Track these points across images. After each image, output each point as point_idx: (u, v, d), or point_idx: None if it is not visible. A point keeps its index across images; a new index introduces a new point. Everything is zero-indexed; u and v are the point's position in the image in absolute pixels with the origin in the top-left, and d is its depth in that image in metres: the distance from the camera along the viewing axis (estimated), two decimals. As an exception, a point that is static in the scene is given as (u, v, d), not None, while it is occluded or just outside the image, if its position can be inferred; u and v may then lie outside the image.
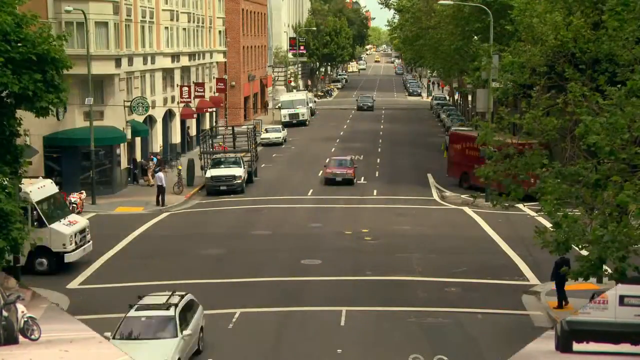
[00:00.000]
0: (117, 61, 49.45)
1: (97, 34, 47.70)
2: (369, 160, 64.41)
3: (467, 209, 45.16)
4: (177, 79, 64.37)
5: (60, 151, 48.42)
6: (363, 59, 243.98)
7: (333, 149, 70.51)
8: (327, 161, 57.32)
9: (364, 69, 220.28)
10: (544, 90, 28.56)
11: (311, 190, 51.66)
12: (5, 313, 16.50)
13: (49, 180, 34.83)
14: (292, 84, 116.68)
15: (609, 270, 21.98)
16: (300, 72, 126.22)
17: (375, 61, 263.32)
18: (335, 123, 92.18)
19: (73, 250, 32.43)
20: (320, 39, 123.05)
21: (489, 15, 49.03)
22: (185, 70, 66.63)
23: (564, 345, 17.02)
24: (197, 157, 55.37)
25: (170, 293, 24.09)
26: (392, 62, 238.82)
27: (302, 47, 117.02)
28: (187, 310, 23.40)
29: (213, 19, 76.44)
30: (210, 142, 57.65)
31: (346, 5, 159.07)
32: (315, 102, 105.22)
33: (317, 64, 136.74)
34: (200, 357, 23.52)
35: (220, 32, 78.64)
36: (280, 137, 75.43)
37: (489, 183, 34.85)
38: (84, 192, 45.83)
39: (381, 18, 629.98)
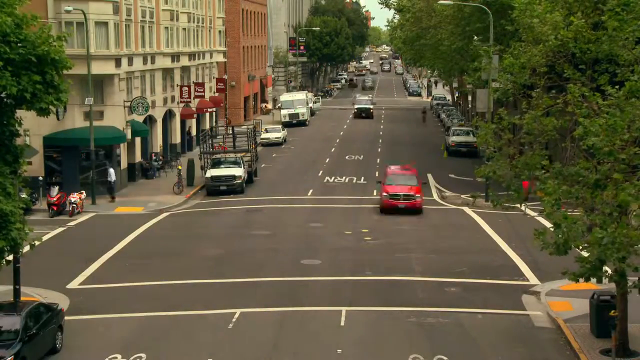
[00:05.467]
0: (117, 61, 49.45)
1: (97, 34, 47.70)
2: (369, 160, 64.40)
3: (467, 209, 45.17)
4: (177, 79, 64.37)
5: (60, 151, 48.46)
6: (363, 59, 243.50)
7: (333, 149, 70.56)
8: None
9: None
10: (544, 90, 28.57)
11: (311, 190, 51.66)
12: None
13: None
14: (292, 84, 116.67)
15: (609, 271, 21.99)
16: (300, 72, 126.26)
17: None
18: (335, 123, 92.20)
19: None
20: (321, 37, 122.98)
21: (489, 15, 49.03)
22: (185, 70, 66.63)
23: None
24: (197, 157, 55.37)
25: None
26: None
27: (302, 47, 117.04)
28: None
29: (213, 19, 76.42)
30: (210, 142, 57.65)
31: (346, 5, 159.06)
32: (315, 102, 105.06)
33: (317, 64, 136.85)
34: (200, 357, 23.52)
35: (220, 32, 78.61)
36: (280, 137, 75.44)
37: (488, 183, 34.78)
38: (83, 192, 45.84)
39: (381, 18, 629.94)
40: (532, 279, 31.22)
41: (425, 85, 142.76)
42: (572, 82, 25.09)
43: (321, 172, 58.86)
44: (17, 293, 26.79)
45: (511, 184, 25.31)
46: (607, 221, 20.62)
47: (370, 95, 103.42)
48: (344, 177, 56.53)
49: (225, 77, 79.27)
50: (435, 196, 50.24)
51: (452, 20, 60.13)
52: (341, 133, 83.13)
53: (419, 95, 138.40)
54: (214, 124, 74.71)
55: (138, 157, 55.16)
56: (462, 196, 47.83)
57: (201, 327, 26.12)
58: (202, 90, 65.76)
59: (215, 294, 29.81)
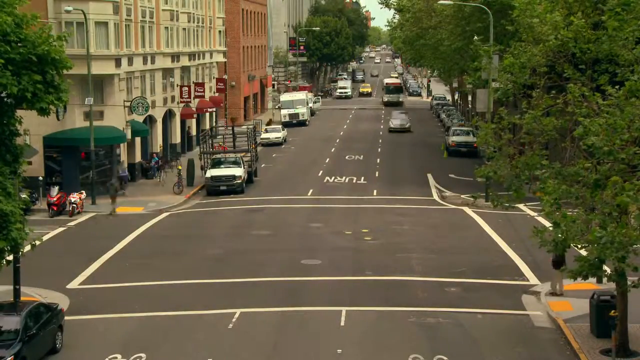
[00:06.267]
0: (117, 61, 49.45)
1: (97, 34, 47.71)
2: (369, 160, 64.41)
3: (467, 209, 45.16)
4: (177, 79, 64.36)
5: (60, 151, 48.45)
6: (363, 59, 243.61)
7: (333, 149, 70.54)
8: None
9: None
10: (544, 90, 28.56)
11: (311, 190, 51.66)
12: None
13: None
14: (292, 84, 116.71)
15: (609, 271, 21.99)
16: (300, 72, 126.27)
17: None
18: (335, 123, 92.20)
19: None
20: (321, 37, 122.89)
21: (489, 15, 49.04)
22: (185, 70, 66.62)
23: None
24: (197, 157, 55.39)
25: None
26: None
27: (302, 47, 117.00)
28: None
29: (213, 19, 76.43)
30: (210, 142, 57.68)
31: (346, 5, 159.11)
32: (315, 102, 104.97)
33: (317, 64, 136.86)
34: (200, 357, 23.52)
35: (220, 32, 78.62)
36: (280, 137, 75.45)
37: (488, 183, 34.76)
38: (83, 192, 45.83)
39: (381, 18, 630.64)
40: (532, 279, 31.21)
41: (425, 85, 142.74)
42: (572, 82, 25.08)
43: (321, 172, 58.85)
44: (17, 293, 26.80)
45: (511, 184, 25.32)
46: (606, 221, 20.62)
47: None
48: (344, 177, 56.53)
49: (225, 77, 79.27)
50: (435, 196, 50.24)
51: (452, 20, 60.12)
52: (341, 133, 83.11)
53: (419, 95, 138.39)
54: (214, 123, 74.72)
55: (138, 157, 55.18)
56: (462, 196, 47.82)
57: (201, 327, 26.12)
58: (202, 90, 65.76)
59: (215, 294, 29.81)
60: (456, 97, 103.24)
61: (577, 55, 26.79)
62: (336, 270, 32.60)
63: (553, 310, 27.13)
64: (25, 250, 25.21)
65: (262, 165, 61.10)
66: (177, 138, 65.08)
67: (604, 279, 22.89)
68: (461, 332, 25.57)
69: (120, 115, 51.04)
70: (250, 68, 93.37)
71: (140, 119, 53.86)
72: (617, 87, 22.91)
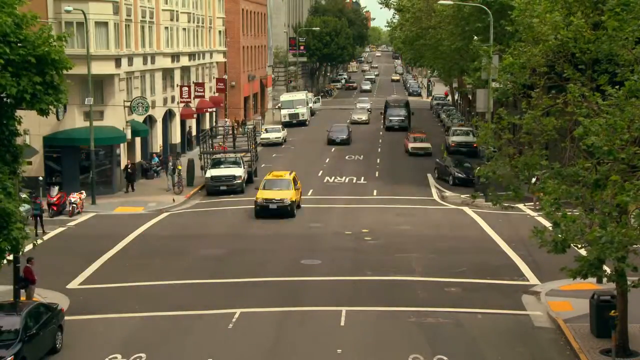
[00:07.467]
0: (117, 61, 49.45)
1: (97, 34, 47.71)
2: (369, 160, 64.41)
3: (467, 209, 45.16)
4: (177, 79, 64.36)
5: (60, 151, 48.45)
6: (363, 58, 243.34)
7: (333, 149, 70.53)
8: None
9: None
10: (544, 90, 28.55)
11: (311, 190, 51.65)
12: None
13: None
14: (292, 83, 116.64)
15: (609, 271, 21.99)
16: (300, 72, 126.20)
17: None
18: (335, 123, 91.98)
19: None
20: (321, 37, 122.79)
21: (489, 15, 49.06)
22: (185, 70, 66.62)
23: None
24: (197, 157, 55.39)
25: None
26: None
27: (302, 47, 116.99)
28: None
29: (213, 19, 76.42)
30: (210, 142, 57.68)
31: (346, 5, 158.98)
32: (315, 102, 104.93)
33: (317, 64, 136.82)
34: (200, 357, 23.52)
35: (220, 32, 78.62)
36: (280, 137, 75.43)
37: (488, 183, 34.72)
38: (83, 192, 45.83)
39: (381, 18, 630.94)
40: (532, 279, 31.23)
41: (425, 85, 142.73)
42: (572, 82, 25.08)
43: (321, 172, 58.86)
44: (17, 293, 26.80)
45: (510, 183, 25.33)
46: (606, 221, 20.62)
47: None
48: (344, 177, 56.54)
49: (225, 77, 79.26)
50: (435, 196, 50.24)
51: (452, 20, 60.15)
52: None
53: (419, 95, 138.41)
54: (214, 123, 74.72)
55: (138, 157, 55.17)
56: (462, 196, 47.84)
57: (201, 327, 26.12)
58: (202, 90, 65.76)
59: (215, 294, 29.82)
60: (456, 97, 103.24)
61: (577, 55, 26.78)
62: (336, 270, 32.61)
63: (553, 310, 27.13)
64: (25, 250, 25.23)
65: (262, 165, 61.07)
66: (177, 138, 65.07)
67: (604, 279, 22.88)
68: (461, 332, 25.58)
69: (120, 115, 51.05)
70: (250, 68, 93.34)
71: (140, 119, 53.87)
72: (617, 87, 22.90)
